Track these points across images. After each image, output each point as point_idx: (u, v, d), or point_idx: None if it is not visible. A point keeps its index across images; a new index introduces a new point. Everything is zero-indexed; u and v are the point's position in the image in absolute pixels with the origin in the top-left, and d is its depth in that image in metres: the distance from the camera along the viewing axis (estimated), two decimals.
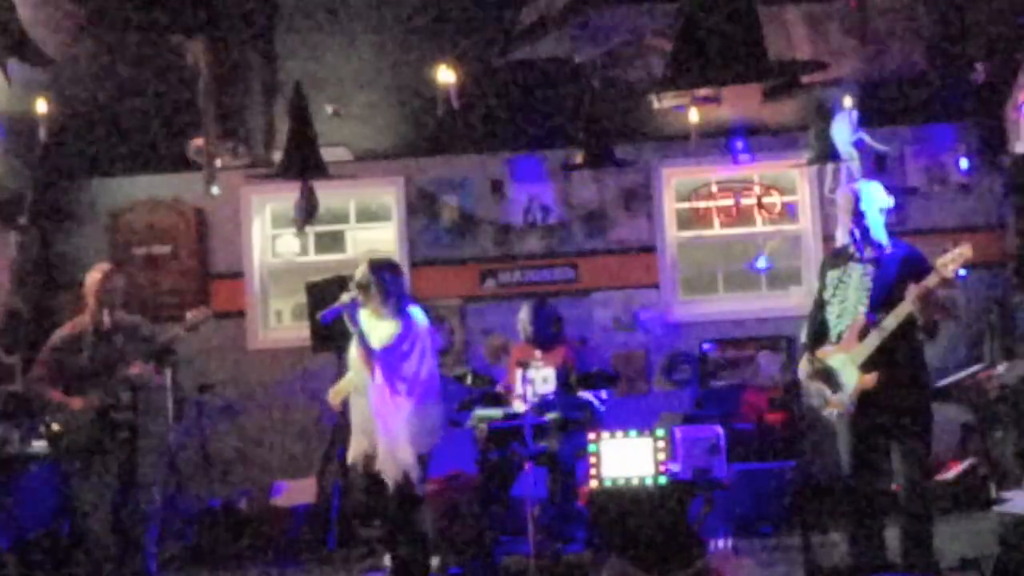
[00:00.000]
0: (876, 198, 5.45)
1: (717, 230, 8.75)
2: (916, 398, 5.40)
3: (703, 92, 7.20)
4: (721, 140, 8.40)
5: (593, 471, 6.59)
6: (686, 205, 8.76)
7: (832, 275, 5.57)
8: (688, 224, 8.78)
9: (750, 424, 7.67)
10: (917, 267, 5.30)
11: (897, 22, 7.17)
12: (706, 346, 8.28)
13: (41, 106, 6.43)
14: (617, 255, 8.58)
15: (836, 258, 5.65)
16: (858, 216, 5.40)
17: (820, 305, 5.63)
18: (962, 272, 5.16)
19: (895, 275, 5.33)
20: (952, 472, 7.45)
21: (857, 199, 5.42)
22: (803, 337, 5.66)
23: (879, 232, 5.42)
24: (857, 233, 5.42)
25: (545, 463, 6.69)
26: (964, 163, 8.26)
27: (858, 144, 7.94)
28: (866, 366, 5.30)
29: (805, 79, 7.38)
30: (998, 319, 7.87)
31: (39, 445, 6.97)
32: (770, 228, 8.67)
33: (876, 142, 8.02)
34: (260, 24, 7.19)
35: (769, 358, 8.26)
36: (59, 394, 6.10)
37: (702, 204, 8.74)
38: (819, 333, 5.58)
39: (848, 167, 8.00)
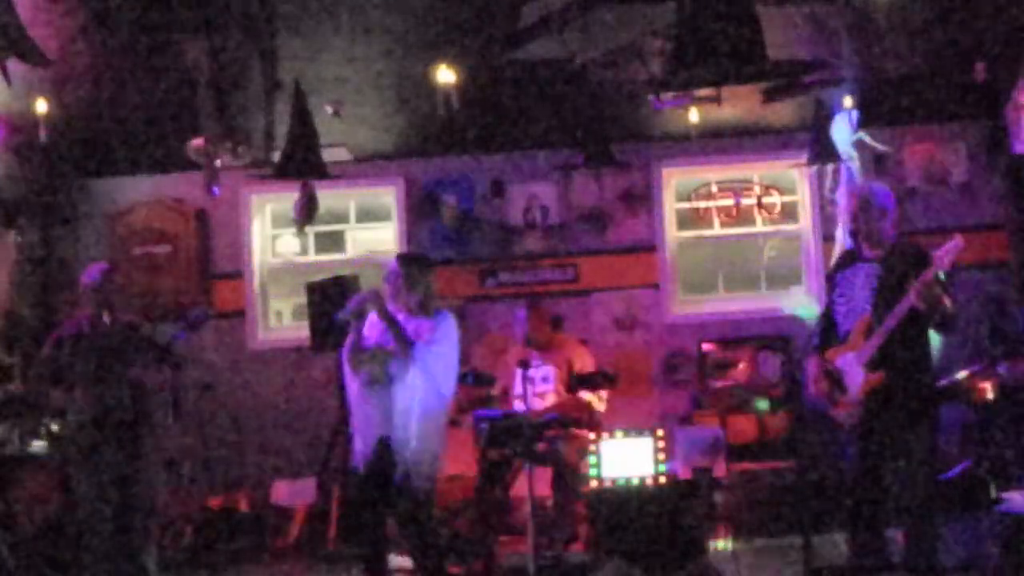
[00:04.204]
0: (879, 200, 5.48)
1: (717, 230, 8.75)
2: (920, 397, 5.40)
3: (703, 92, 7.19)
4: (721, 140, 8.40)
5: (593, 471, 6.59)
6: (686, 205, 8.75)
7: (841, 276, 5.61)
8: (688, 224, 8.77)
9: None
10: (921, 263, 5.32)
11: (897, 22, 7.17)
12: (706, 346, 8.27)
13: (41, 106, 6.43)
14: (617, 255, 8.57)
15: (844, 259, 5.71)
16: (861, 218, 5.44)
17: (830, 306, 5.65)
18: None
19: (900, 273, 5.35)
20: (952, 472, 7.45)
21: (861, 201, 5.45)
22: (814, 340, 5.67)
23: (882, 232, 5.45)
24: (861, 234, 5.46)
25: (545, 463, 6.69)
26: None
27: (858, 144, 7.95)
28: (871, 365, 5.32)
29: (805, 79, 7.38)
30: (998, 319, 7.87)
31: (39, 445, 6.98)
32: (770, 228, 8.67)
33: (876, 142, 8.02)
34: (260, 24, 7.19)
35: (769, 358, 8.25)
36: (59, 394, 6.11)
37: (702, 204, 8.73)
38: (829, 334, 5.59)
39: (848, 167, 7.99)
